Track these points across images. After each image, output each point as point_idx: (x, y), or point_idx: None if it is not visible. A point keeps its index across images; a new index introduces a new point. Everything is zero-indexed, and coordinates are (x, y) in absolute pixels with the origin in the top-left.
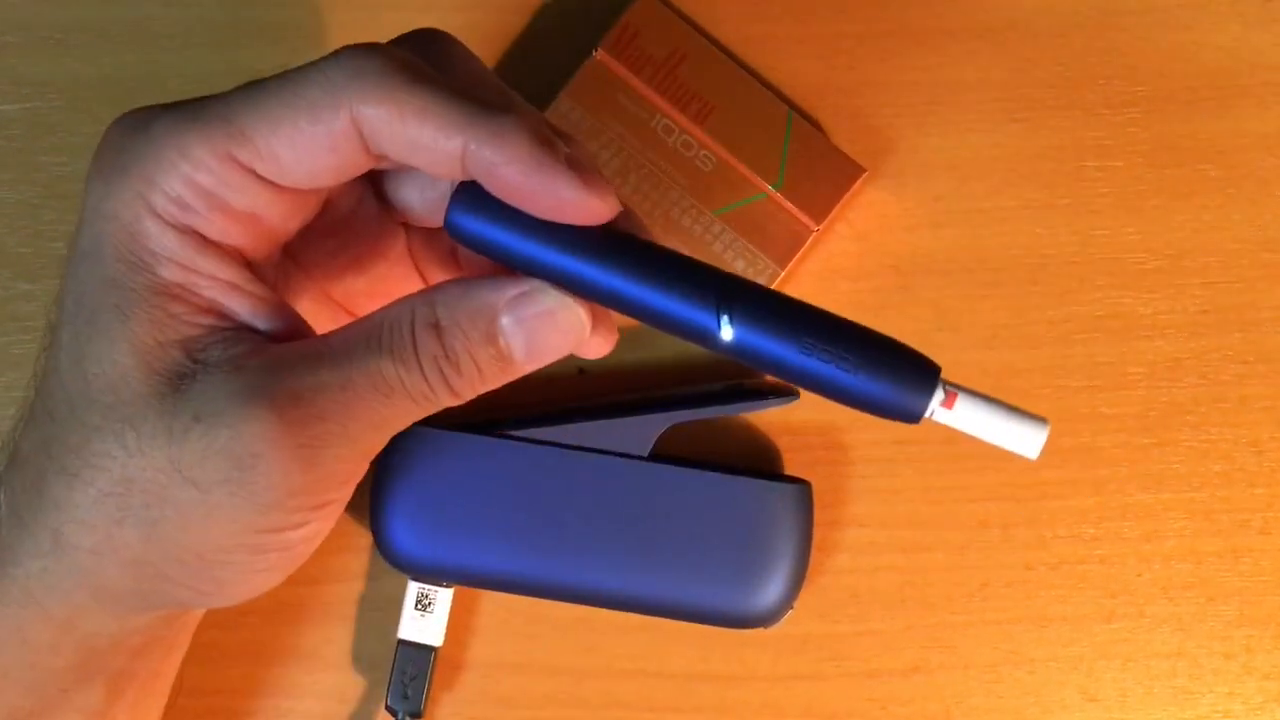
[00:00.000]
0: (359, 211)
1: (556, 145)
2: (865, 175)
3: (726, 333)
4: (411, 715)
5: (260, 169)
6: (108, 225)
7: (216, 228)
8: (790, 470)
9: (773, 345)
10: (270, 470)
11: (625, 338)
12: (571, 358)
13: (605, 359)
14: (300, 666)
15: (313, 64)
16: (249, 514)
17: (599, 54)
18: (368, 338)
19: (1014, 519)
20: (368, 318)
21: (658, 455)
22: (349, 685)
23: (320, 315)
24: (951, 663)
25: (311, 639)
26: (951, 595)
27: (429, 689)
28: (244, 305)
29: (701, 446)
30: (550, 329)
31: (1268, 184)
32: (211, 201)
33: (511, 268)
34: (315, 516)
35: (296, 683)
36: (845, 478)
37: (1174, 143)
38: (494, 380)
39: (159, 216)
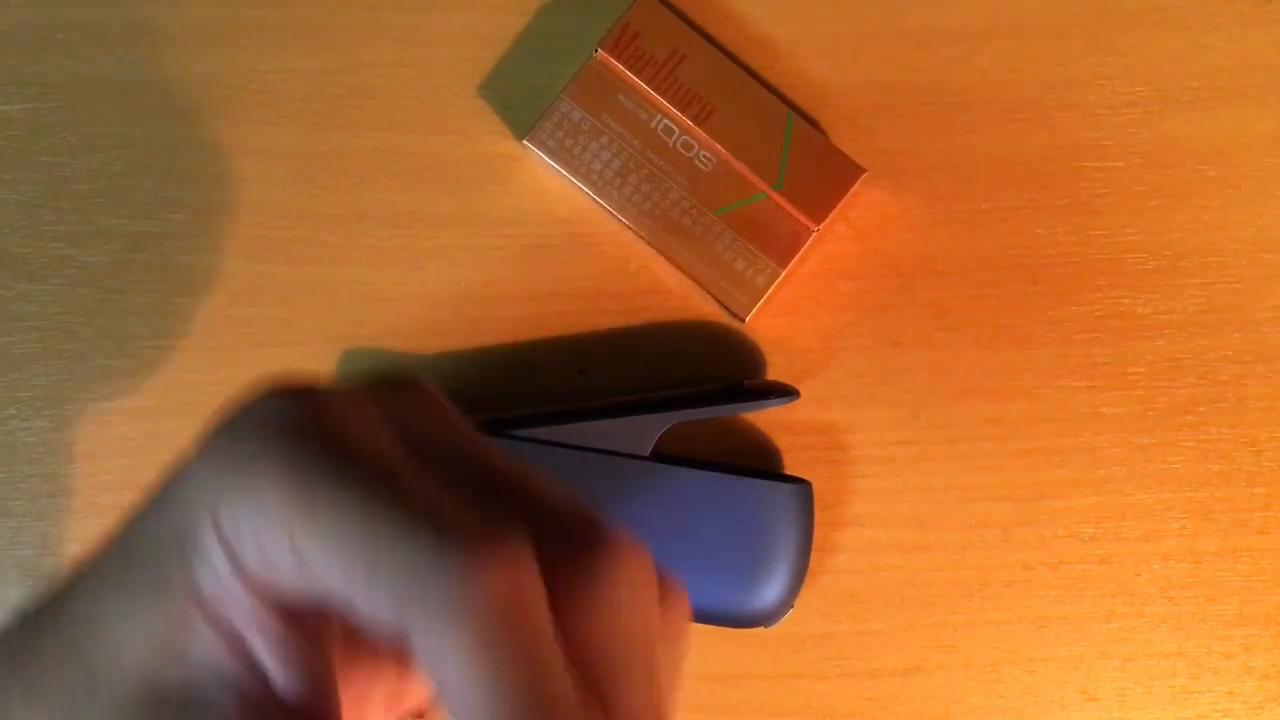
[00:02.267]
0: None
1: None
2: (865, 175)
3: None
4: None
5: None
6: (185, 519)
7: (285, 583)
8: (790, 470)
9: None
10: None
11: (625, 337)
12: (573, 357)
13: (606, 359)
14: None
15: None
16: None
17: (599, 54)
18: None
19: (1014, 519)
20: None
21: (659, 455)
22: None
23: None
24: (951, 662)
25: None
26: (951, 595)
27: None
28: (269, 645)
29: (702, 446)
30: None
31: (1268, 184)
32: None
33: None
34: None
35: None
36: (845, 478)
37: (1173, 143)
38: None
39: (237, 559)
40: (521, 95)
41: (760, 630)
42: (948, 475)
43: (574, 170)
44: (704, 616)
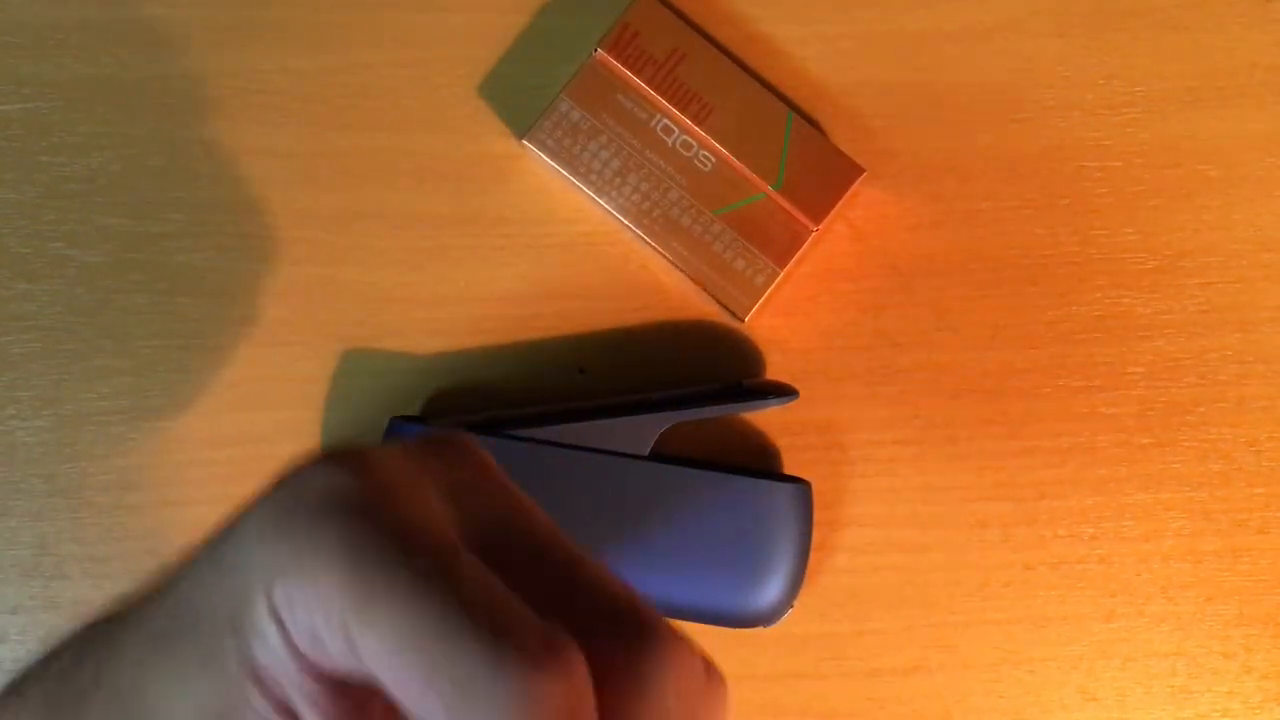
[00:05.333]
0: None
1: None
2: (865, 175)
3: None
4: None
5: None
6: (236, 590)
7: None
8: (790, 470)
9: None
10: None
11: (625, 337)
12: (572, 357)
13: (605, 358)
14: None
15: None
16: None
17: (599, 54)
18: None
19: (1014, 519)
20: None
21: (658, 455)
22: None
23: None
24: (951, 663)
25: None
26: (951, 595)
27: None
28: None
29: (701, 446)
30: None
31: (1267, 184)
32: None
33: None
34: None
35: None
36: (845, 478)
37: (1173, 143)
38: None
39: (286, 643)
40: (521, 95)
41: (760, 630)
42: (948, 475)
43: (573, 170)
44: (703, 616)
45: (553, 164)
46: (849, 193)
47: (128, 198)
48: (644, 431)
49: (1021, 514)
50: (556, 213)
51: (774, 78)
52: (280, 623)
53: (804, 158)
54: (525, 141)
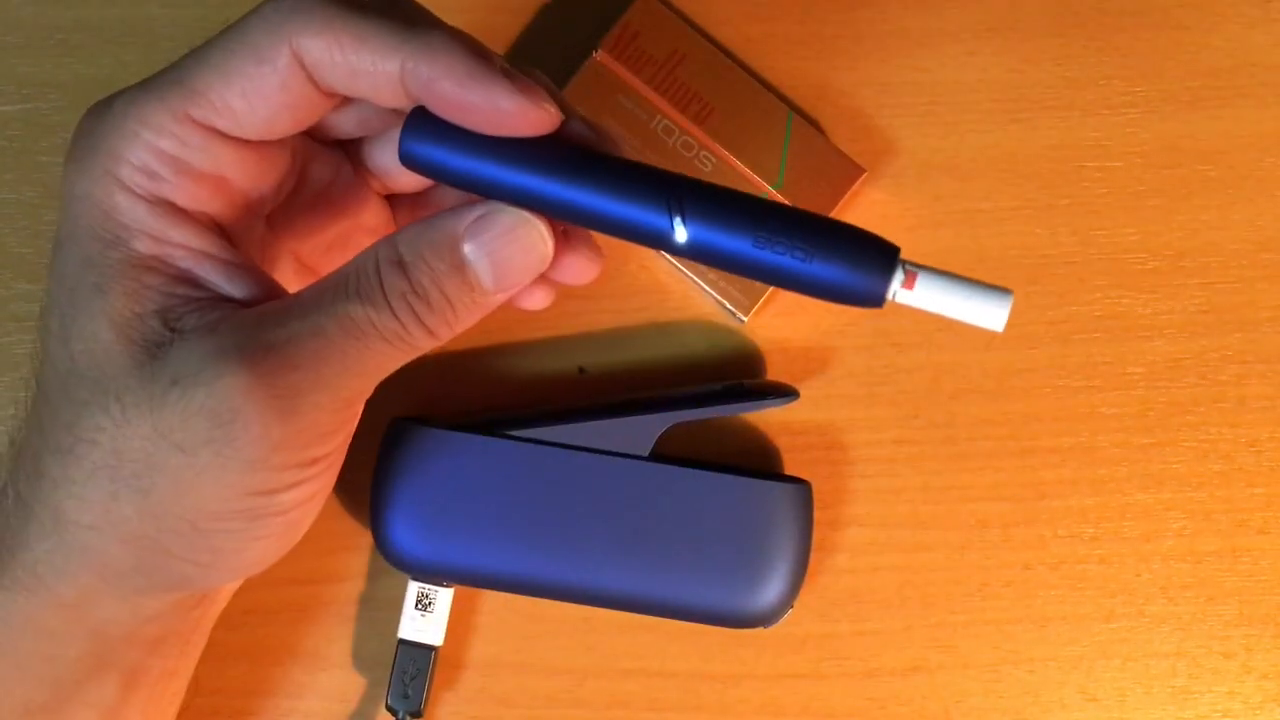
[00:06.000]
0: (336, 183)
1: (491, 57)
2: (865, 175)
3: (681, 234)
4: (412, 715)
5: (219, 124)
6: (82, 206)
7: (186, 193)
8: (790, 470)
9: (728, 241)
10: (249, 424)
11: (625, 337)
12: (572, 357)
13: (605, 358)
14: (301, 666)
15: (254, 9)
16: (236, 474)
17: (599, 54)
18: (337, 286)
19: (1014, 519)
20: (337, 270)
21: (658, 455)
22: (349, 685)
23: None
24: (951, 662)
25: (312, 638)
26: (951, 595)
27: (429, 688)
28: (218, 273)
29: (701, 446)
30: (512, 248)
31: (1267, 184)
32: (177, 166)
33: (467, 190)
34: (305, 476)
35: (297, 682)
36: (845, 478)
37: (1173, 143)
38: (467, 313)
39: (128, 189)
40: None
41: (760, 630)
42: (947, 475)
43: None
44: (703, 616)
45: None
46: (850, 193)
47: None
48: (644, 431)
49: (1021, 514)
50: None
51: (774, 78)
52: (147, 174)
53: (804, 158)
54: None
